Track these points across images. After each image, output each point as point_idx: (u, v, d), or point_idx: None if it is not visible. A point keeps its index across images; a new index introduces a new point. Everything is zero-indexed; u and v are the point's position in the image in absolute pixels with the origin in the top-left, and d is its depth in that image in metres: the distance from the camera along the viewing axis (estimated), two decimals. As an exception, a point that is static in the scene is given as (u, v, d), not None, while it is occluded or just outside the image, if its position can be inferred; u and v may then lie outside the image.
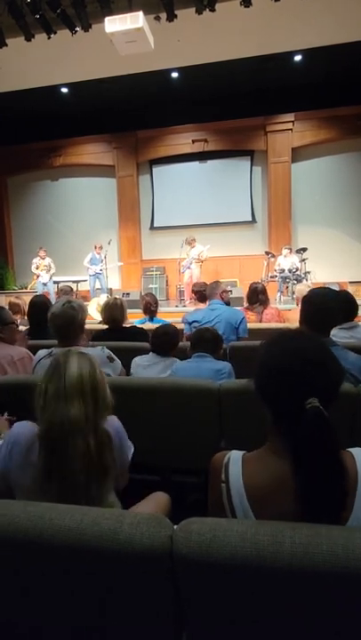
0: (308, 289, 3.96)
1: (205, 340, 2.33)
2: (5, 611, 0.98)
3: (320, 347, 0.94)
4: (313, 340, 0.96)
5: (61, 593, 0.92)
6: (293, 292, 8.47)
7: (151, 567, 0.81)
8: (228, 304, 3.53)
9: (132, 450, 1.38)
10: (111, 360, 2.24)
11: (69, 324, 2.15)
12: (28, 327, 3.82)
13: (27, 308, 3.62)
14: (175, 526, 0.84)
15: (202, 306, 4.02)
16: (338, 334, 2.46)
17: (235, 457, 0.98)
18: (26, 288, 10.56)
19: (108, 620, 0.91)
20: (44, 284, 9.32)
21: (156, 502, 1.44)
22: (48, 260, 9.45)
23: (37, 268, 9.42)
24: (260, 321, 3.95)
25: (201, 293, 4.14)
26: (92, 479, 1.16)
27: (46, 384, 1.20)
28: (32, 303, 3.49)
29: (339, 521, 0.81)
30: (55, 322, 2.15)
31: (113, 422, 1.30)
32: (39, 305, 3.41)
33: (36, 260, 9.48)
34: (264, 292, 4.10)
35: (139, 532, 0.81)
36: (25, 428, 1.24)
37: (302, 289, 4.27)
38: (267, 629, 0.82)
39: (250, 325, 3.66)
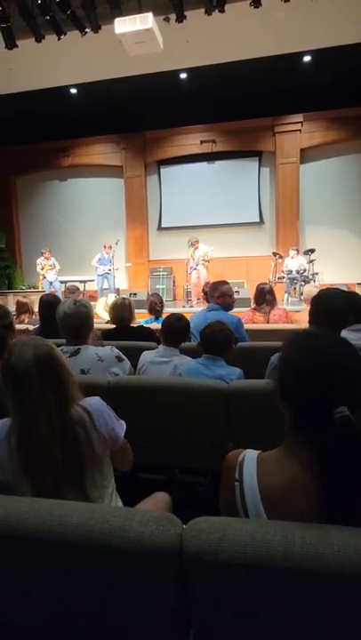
0: (317, 290, 3.94)
1: (217, 343, 2.23)
2: (10, 608, 0.99)
3: (346, 347, 0.91)
4: (337, 340, 0.93)
5: (69, 590, 0.92)
6: (301, 293, 8.44)
7: (160, 565, 0.81)
8: (228, 309, 3.27)
9: (124, 427, 1.32)
10: (120, 360, 2.25)
11: (82, 323, 2.17)
12: (35, 326, 3.84)
13: (37, 306, 3.62)
14: (184, 525, 0.84)
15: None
16: (347, 336, 2.43)
17: (250, 456, 0.96)
18: (35, 288, 10.64)
19: (114, 617, 0.91)
20: (51, 283, 9.38)
21: (156, 502, 1.45)
22: (52, 260, 9.51)
23: (42, 269, 9.48)
24: (268, 322, 3.94)
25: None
26: (66, 471, 1.14)
27: (6, 379, 1.17)
28: (45, 302, 3.48)
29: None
30: (68, 321, 2.16)
31: (92, 401, 1.26)
32: (50, 303, 3.41)
33: (40, 261, 9.54)
34: (271, 292, 4.08)
35: (148, 530, 0.81)
36: (1, 422, 1.25)
37: (310, 290, 4.24)
38: (275, 629, 0.81)
39: (257, 326, 3.65)
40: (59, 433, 1.13)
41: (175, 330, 2.47)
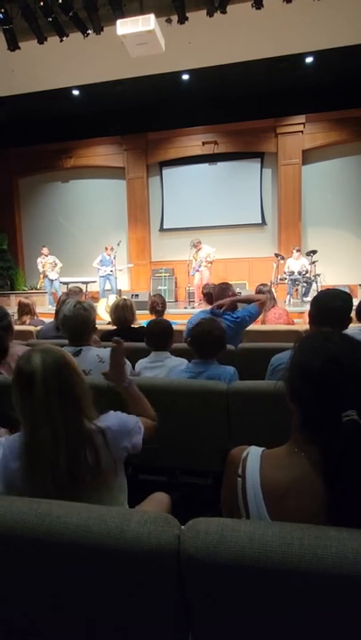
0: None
1: (210, 345, 2.11)
2: (9, 608, 0.98)
3: (355, 349, 0.90)
4: (355, 346, 0.91)
5: (66, 591, 0.92)
6: (303, 295, 8.43)
7: (158, 566, 0.81)
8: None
9: (142, 429, 1.27)
10: (120, 361, 2.24)
11: (81, 325, 2.18)
12: (38, 327, 3.85)
13: (57, 304, 3.67)
14: (183, 526, 0.84)
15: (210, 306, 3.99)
16: (357, 335, 2.41)
17: (254, 452, 0.96)
18: (37, 288, 10.65)
19: (112, 618, 0.91)
20: (51, 282, 9.34)
21: (156, 502, 1.44)
22: (52, 258, 9.47)
23: (43, 267, 9.44)
24: (264, 321, 3.92)
25: (210, 295, 4.11)
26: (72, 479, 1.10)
27: (14, 384, 1.14)
28: (63, 301, 3.47)
29: None
30: (68, 324, 2.18)
31: (110, 420, 1.21)
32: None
33: (40, 260, 9.50)
34: (269, 291, 4.09)
35: (146, 531, 0.80)
36: (15, 435, 1.22)
37: None
38: (274, 631, 0.81)
39: (257, 327, 3.64)
40: (63, 441, 1.10)
41: (154, 335, 2.45)
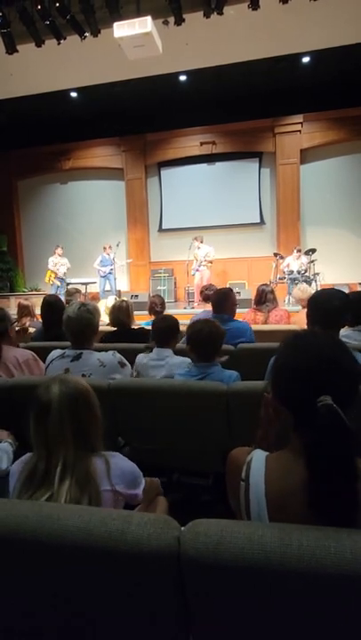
0: (302, 291, 3.98)
1: (207, 347, 2.08)
2: (9, 610, 0.99)
3: (334, 344, 0.91)
4: (327, 338, 0.92)
5: (67, 593, 0.92)
6: (302, 294, 8.42)
7: (158, 568, 0.82)
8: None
9: (142, 485, 1.31)
10: (122, 365, 2.24)
11: (85, 327, 2.17)
12: (36, 328, 3.85)
13: (40, 308, 3.57)
14: (182, 528, 0.84)
15: (209, 306, 4.01)
16: (351, 335, 2.42)
17: (258, 457, 0.94)
18: (37, 290, 10.63)
19: (113, 620, 0.92)
20: (58, 287, 9.26)
21: (154, 506, 1.45)
22: (65, 260, 9.36)
23: (55, 266, 9.33)
24: (267, 321, 3.93)
25: (206, 295, 4.18)
26: None
27: (32, 412, 1.18)
28: (46, 303, 3.45)
29: (353, 525, 0.78)
30: (70, 325, 2.17)
31: (121, 459, 1.24)
32: (53, 305, 3.38)
33: (52, 259, 9.35)
34: (272, 292, 4.10)
35: (146, 533, 0.81)
36: (26, 456, 1.24)
37: (297, 293, 4.29)
38: (274, 632, 0.82)
39: (258, 327, 3.65)
40: (71, 470, 1.12)
41: (160, 331, 2.45)
